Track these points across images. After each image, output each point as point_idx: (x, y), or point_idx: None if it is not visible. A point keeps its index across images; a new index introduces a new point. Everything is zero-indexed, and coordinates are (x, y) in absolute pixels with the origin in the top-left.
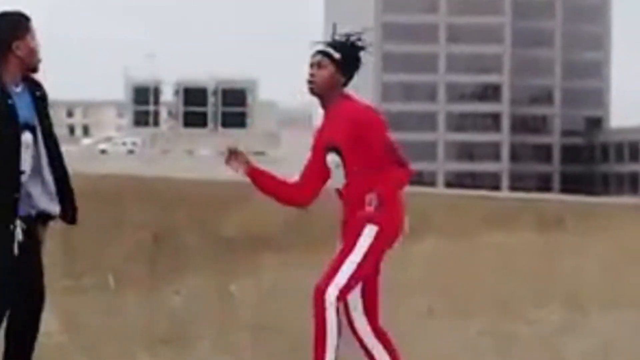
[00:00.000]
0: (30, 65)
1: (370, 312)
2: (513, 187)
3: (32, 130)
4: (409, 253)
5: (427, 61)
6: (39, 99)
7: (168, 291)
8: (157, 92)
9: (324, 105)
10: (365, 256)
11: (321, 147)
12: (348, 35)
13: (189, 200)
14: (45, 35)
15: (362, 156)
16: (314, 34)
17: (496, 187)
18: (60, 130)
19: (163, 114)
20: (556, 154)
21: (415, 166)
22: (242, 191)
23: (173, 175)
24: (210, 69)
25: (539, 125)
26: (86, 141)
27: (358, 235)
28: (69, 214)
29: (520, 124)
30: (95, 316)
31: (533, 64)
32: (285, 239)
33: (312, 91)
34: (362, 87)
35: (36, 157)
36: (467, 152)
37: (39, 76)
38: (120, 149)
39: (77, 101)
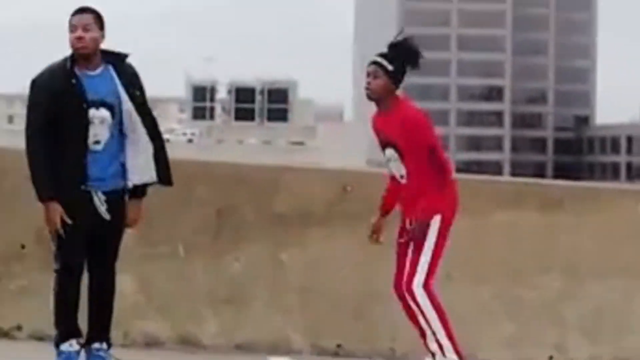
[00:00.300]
0: (77, 54)
1: (431, 273)
2: (513, 174)
3: (109, 106)
4: None
5: (441, 66)
6: (124, 79)
7: (229, 259)
8: (213, 91)
9: (380, 107)
10: (435, 247)
11: (382, 145)
12: (401, 45)
13: (246, 181)
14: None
15: (414, 155)
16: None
17: (499, 174)
18: None
19: (217, 109)
20: (550, 146)
21: None
22: (290, 174)
23: (232, 161)
24: (258, 72)
25: (535, 121)
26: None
27: (425, 235)
28: (164, 176)
29: (520, 121)
30: (167, 280)
31: (530, 70)
32: (327, 215)
33: (369, 97)
34: None
35: (119, 130)
36: (474, 144)
37: None
38: (181, 139)
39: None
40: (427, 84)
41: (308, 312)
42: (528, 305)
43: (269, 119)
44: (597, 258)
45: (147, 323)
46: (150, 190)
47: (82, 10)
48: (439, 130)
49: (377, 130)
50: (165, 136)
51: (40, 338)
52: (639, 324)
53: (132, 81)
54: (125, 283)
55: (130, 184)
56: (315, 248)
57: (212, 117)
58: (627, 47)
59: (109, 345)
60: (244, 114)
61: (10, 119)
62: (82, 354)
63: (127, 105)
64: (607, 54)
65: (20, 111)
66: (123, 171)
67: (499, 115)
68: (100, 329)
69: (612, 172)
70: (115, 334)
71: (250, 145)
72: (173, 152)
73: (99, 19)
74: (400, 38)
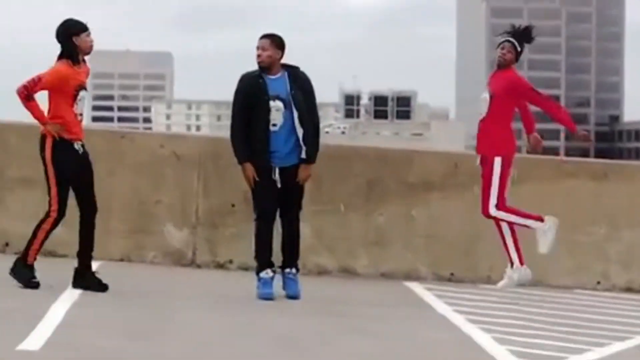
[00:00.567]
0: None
1: (501, 197)
2: (567, 156)
3: (282, 99)
4: (519, 192)
5: None
6: (294, 82)
7: (375, 214)
8: (358, 98)
9: (499, 69)
10: (500, 181)
11: (487, 86)
12: (522, 31)
13: (387, 160)
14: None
15: (503, 103)
16: (449, 63)
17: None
18: None
19: (362, 111)
20: (592, 137)
21: None
22: (417, 155)
23: (377, 146)
24: (390, 84)
25: (582, 119)
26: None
27: (492, 167)
28: (311, 154)
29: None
30: (332, 228)
31: (578, 84)
32: (443, 183)
33: (500, 64)
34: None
35: (289, 117)
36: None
37: None
38: (336, 132)
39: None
40: None
41: (430, 250)
42: (582, 246)
43: (397, 117)
44: (630, 212)
45: (319, 258)
46: (321, 165)
47: (263, 36)
48: (516, 126)
49: (488, 83)
50: (326, 129)
51: (245, 269)
52: None
53: (301, 84)
54: (304, 230)
55: (302, 155)
56: (435, 206)
57: (358, 116)
58: None
59: (297, 270)
60: (380, 114)
61: (218, 118)
62: (276, 279)
63: (292, 100)
64: (632, 72)
65: (225, 112)
66: (299, 150)
67: None
68: (291, 259)
69: (635, 154)
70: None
71: (384, 136)
72: (334, 140)
73: (274, 42)
74: (523, 27)
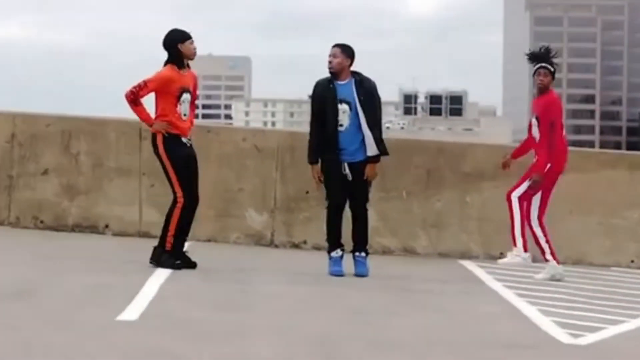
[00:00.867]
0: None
1: (541, 210)
2: (600, 149)
3: (348, 103)
4: (563, 181)
5: (557, 82)
6: (359, 87)
7: (434, 200)
8: (416, 97)
9: (540, 94)
10: (532, 186)
11: (533, 113)
12: (546, 54)
13: (444, 152)
14: None
15: (544, 126)
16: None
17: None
18: None
19: (419, 108)
20: (624, 132)
21: None
22: (471, 148)
23: (435, 139)
24: (444, 85)
25: (615, 116)
26: None
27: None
28: (380, 149)
29: (605, 116)
30: (395, 212)
31: (611, 84)
32: (494, 172)
33: (539, 88)
34: (520, 98)
35: (355, 119)
36: (577, 130)
37: None
38: (396, 127)
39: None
40: None
41: (482, 232)
42: (618, 229)
43: (451, 114)
44: None
45: (383, 239)
46: (384, 157)
47: (334, 45)
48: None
49: (532, 108)
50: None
51: (318, 249)
52: None
53: (365, 88)
54: (370, 215)
55: (368, 154)
56: (487, 193)
57: (415, 113)
58: None
59: (367, 254)
60: (435, 111)
61: (292, 115)
62: (345, 258)
63: (357, 103)
64: None
65: (297, 109)
66: (364, 147)
67: (592, 112)
68: (360, 244)
69: None
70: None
71: (438, 131)
72: (395, 135)
73: (344, 51)
74: (544, 49)
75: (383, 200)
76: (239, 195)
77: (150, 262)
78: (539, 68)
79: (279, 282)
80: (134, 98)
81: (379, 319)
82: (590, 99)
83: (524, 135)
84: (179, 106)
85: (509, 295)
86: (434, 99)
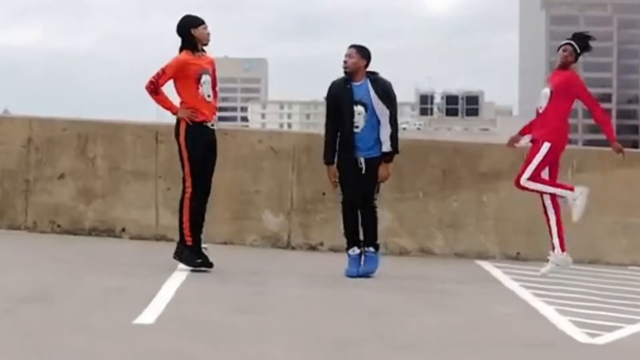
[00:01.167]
0: (345, 72)
1: (552, 178)
2: None
3: (363, 104)
4: (580, 180)
5: None
6: (375, 86)
7: (450, 200)
8: (432, 97)
9: (559, 69)
10: (541, 162)
11: (546, 85)
12: (582, 37)
13: (460, 152)
14: None
15: (561, 100)
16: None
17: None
18: None
19: (435, 109)
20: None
21: None
22: (487, 148)
23: (452, 139)
24: (460, 85)
25: (631, 114)
26: None
27: (540, 148)
28: (394, 147)
29: (621, 114)
30: (412, 213)
31: (628, 83)
32: (511, 172)
33: (562, 65)
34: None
35: (370, 119)
36: (594, 129)
37: None
38: (412, 127)
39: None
40: None
41: (499, 232)
42: (635, 228)
43: (467, 114)
44: None
45: (400, 240)
46: (401, 157)
47: (350, 46)
48: (572, 120)
49: (549, 80)
50: (403, 126)
51: (335, 250)
52: None
53: (381, 89)
54: (386, 216)
55: (383, 150)
56: (503, 193)
57: (431, 113)
58: None
59: (376, 249)
60: (451, 112)
61: (308, 116)
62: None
63: (375, 103)
64: None
65: (314, 111)
66: (379, 145)
67: (608, 110)
68: (370, 239)
69: None
70: (381, 248)
71: (455, 131)
72: (411, 135)
73: (359, 51)
74: (582, 33)
75: (399, 200)
76: (255, 197)
77: (174, 257)
78: (566, 44)
79: (296, 284)
80: (154, 88)
81: (395, 320)
82: (606, 98)
83: None
84: (200, 88)
85: (526, 295)
86: (450, 99)
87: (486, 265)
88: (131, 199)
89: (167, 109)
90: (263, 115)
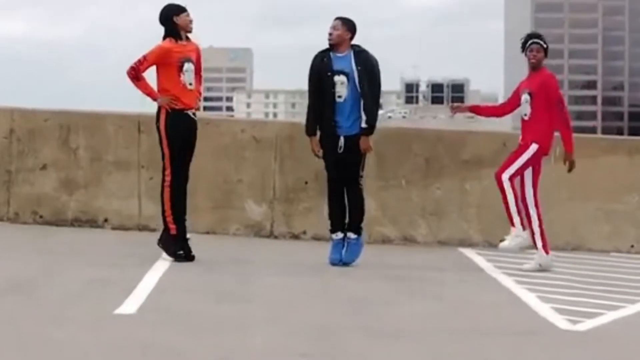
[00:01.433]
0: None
1: (534, 187)
2: (603, 134)
3: (346, 74)
4: (563, 168)
5: (558, 68)
6: (358, 58)
7: (433, 188)
8: (417, 85)
9: (533, 71)
10: (526, 162)
11: (521, 89)
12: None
13: (443, 140)
14: None
15: (541, 102)
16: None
17: (594, 134)
18: None
19: (420, 97)
20: (625, 117)
21: None
22: (470, 135)
23: (435, 127)
24: (445, 73)
25: (617, 101)
26: (380, 112)
27: (527, 148)
28: (368, 125)
29: (607, 101)
30: (395, 201)
31: (613, 70)
32: (494, 160)
33: (532, 65)
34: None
35: (354, 89)
36: (579, 116)
37: None
38: (398, 116)
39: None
40: None
41: (482, 220)
42: (618, 214)
43: (452, 102)
44: None
45: (383, 228)
46: (384, 145)
47: (336, 18)
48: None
49: (521, 86)
50: (388, 114)
51: (317, 239)
52: None
53: (364, 60)
54: (370, 204)
55: (362, 125)
56: (486, 181)
57: (417, 102)
58: None
59: (359, 234)
60: (436, 100)
61: (293, 105)
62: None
63: (355, 74)
64: None
65: (299, 100)
66: (361, 117)
67: (594, 98)
68: (353, 222)
69: None
70: (365, 236)
71: (440, 119)
72: (394, 123)
73: (345, 23)
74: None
75: (382, 189)
76: (238, 186)
77: (158, 244)
78: (531, 44)
79: (279, 273)
80: (135, 74)
81: (378, 309)
82: (592, 85)
83: None
84: (182, 76)
85: (508, 282)
86: (436, 88)
87: (469, 253)
88: (113, 189)
89: (148, 94)
90: (248, 105)
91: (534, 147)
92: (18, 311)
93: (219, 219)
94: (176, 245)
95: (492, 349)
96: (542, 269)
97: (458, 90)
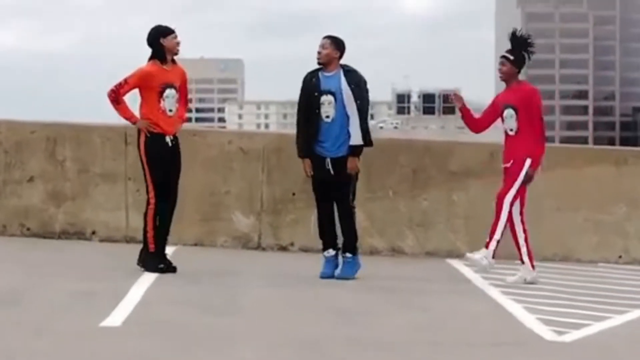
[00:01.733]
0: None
1: (522, 201)
2: (595, 144)
3: (333, 93)
4: (550, 177)
5: (549, 79)
6: (347, 77)
7: (420, 199)
8: (409, 96)
9: (507, 85)
10: (523, 180)
11: (500, 103)
12: (521, 41)
13: (431, 150)
14: None
15: (527, 117)
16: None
17: (585, 144)
18: None
19: (412, 108)
20: (617, 127)
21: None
22: (458, 146)
23: (422, 138)
24: (437, 83)
25: (608, 111)
26: (372, 122)
27: (523, 164)
28: (365, 140)
29: (598, 111)
30: (382, 212)
31: (604, 80)
32: (482, 170)
33: (501, 79)
34: None
35: (341, 109)
36: (570, 126)
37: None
38: (389, 126)
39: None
40: (541, 90)
41: (469, 231)
42: (605, 225)
43: (444, 112)
44: None
45: (371, 239)
46: (371, 157)
47: (325, 37)
48: (547, 118)
49: (498, 101)
50: (380, 125)
51: (305, 250)
52: None
53: (352, 80)
54: (357, 216)
55: (350, 143)
56: (474, 192)
57: (408, 112)
58: None
59: (354, 254)
60: (428, 110)
61: (285, 116)
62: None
63: (345, 94)
64: None
65: (291, 111)
66: (349, 137)
67: (585, 108)
68: (347, 243)
69: None
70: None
71: (432, 130)
72: (385, 135)
73: (333, 42)
74: (518, 34)
75: (370, 200)
76: (225, 198)
77: (137, 264)
78: (501, 57)
79: (266, 285)
80: (115, 97)
81: (364, 320)
82: (583, 95)
83: None
84: (162, 102)
85: (495, 293)
86: (427, 98)
87: (456, 264)
88: (101, 201)
89: (127, 118)
90: (240, 116)
91: (529, 162)
92: (3, 323)
93: (207, 230)
94: (155, 260)
95: (479, 359)
96: (527, 282)
97: (449, 100)
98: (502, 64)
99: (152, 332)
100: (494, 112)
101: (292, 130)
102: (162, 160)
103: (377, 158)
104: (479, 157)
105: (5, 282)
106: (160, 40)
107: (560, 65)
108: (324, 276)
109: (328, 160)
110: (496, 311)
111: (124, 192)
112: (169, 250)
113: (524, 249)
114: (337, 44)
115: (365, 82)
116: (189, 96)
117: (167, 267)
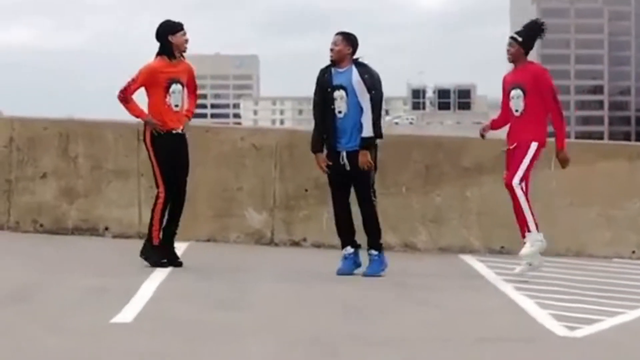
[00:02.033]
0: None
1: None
2: (610, 140)
3: (344, 88)
4: (563, 173)
5: (564, 74)
6: (360, 72)
7: (433, 195)
8: (424, 91)
9: (515, 66)
10: (530, 162)
11: (508, 84)
12: (531, 24)
13: (444, 146)
14: None
15: (535, 97)
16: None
17: (601, 140)
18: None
19: (427, 103)
20: (632, 122)
21: None
22: (471, 142)
23: (435, 134)
24: (452, 79)
25: (624, 106)
26: (387, 118)
27: (528, 149)
28: (375, 131)
29: (614, 106)
30: (394, 207)
31: (620, 75)
32: (494, 166)
33: (509, 60)
34: None
35: (353, 103)
36: (586, 121)
37: None
38: (405, 122)
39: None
40: (557, 85)
41: (482, 226)
42: (618, 220)
43: (459, 108)
44: None
45: (384, 235)
46: (384, 153)
47: (337, 33)
48: (565, 113)
49: (506, 82)
50: (395, 121)
51: (317, 246)
52: None
53: (365, 75)
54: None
55: (362, 135)
56: (487, 187)
57: (424, 108)
58: None
59: (378, 250)
60: (443, 106)
61: (300, 112)
62: (359, 257)
63: (357, 86)
64: None
65: (306, 107)
66: (361, 131)
67: (600, 103)
68: (371, 240)
69: None
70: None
71: (447, 125)
72: (400, 130)
73: (345, 38)
74: (529, 20)
75: (382, 196)
76: (238, 194)
77: (140, 256)
78: (509, 38)
79: (278, 280)
80: (124, 97)
81: (376, 316)
82: (598, 90)
83: None
84: (168, 97)
85: (508, 289)
86: (442, 93)
87: (470, 259)
88: (113, 197)
89: (137, 116)
90: (255, 112)
91: (534, 146)
92: (15, 321)
93: (219, 227)
94: (157, 255)
95: (489, 355)
96: (532, 268)
97: (465, 96)
98: (510, 44)
99: (163, 328)
100: (508, 96)
101: (306, 126)
102: (168, 154)
103: (389, 154)
104: (492, 153)
105: (18, 279)
106: (168, 37)
107: (576, 60)
108: (340, 273)
109: (343, 154)
110: (508, 307)
111: (136, 188)
112: (182, 246)
113: (528, 215)
114: (349, 40)
115: (378, 76)
116: (199, 91)
117: (171, 262)
